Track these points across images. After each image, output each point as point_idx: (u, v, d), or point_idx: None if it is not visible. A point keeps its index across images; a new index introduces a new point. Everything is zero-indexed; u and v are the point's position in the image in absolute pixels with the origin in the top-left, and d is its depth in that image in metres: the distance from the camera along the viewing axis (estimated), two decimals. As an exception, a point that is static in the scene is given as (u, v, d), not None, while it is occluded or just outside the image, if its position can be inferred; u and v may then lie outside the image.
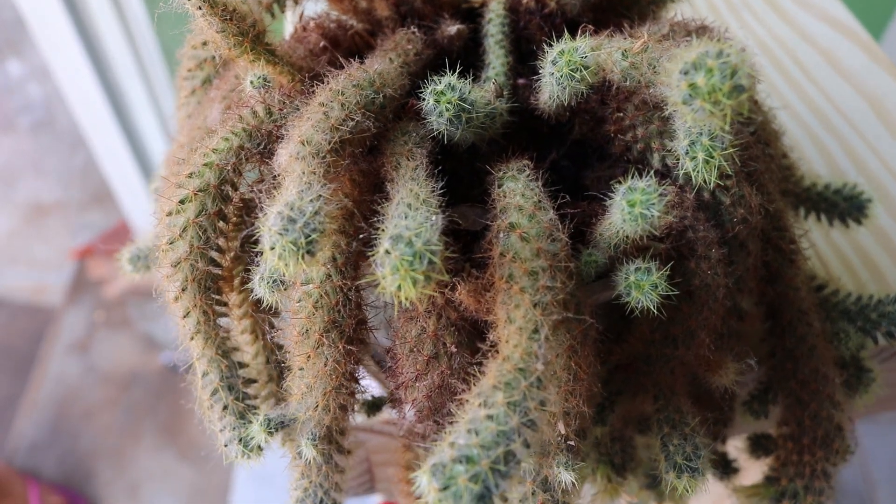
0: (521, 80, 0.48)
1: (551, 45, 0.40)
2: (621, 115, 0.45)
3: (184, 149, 0.51)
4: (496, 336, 0.35)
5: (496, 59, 0.48)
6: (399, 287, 0.32)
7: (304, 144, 0.37)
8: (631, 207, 0.35)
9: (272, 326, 0.47)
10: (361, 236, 0.39)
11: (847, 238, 0.68)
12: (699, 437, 0.44)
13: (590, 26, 0.47)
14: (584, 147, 0.49)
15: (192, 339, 0.44)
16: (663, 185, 0.36)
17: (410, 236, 0.32)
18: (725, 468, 0.59)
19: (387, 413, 0.54)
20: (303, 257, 0.34)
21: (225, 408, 0.45)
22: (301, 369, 0.41)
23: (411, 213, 0.34)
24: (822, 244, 0.68)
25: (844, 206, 0.58)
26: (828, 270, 0.66)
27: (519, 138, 0.47)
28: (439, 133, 0.40)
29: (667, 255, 0.40)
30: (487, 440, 0.31)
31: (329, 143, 0.37)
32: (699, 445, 0.44)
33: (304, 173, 0.36)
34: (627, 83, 0.43)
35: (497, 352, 0.35)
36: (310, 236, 0.33)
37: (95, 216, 2.01)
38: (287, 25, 0.54)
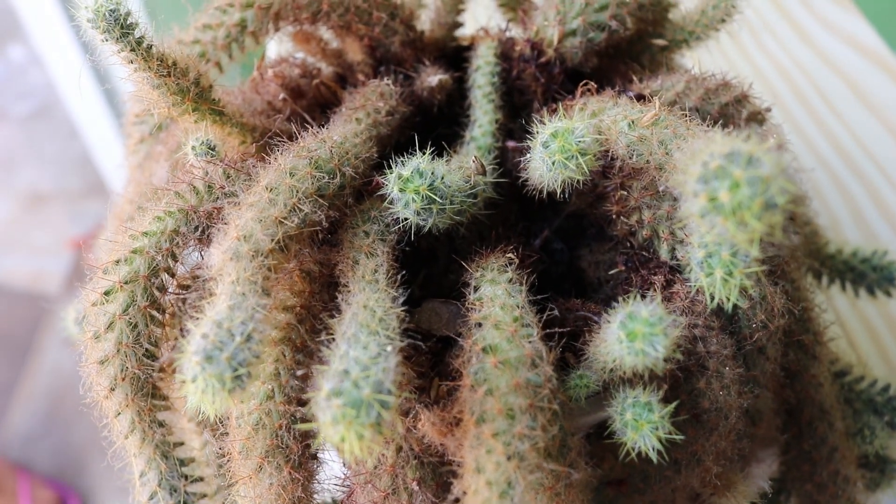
0: (510, 143, 0.42)
1: (542, 122, 0.33)
2: (625, 192, 0.38)
3: (131, 205, 0.45)
4: (462, 485, 0.30)
5: (483, 115, 0.42)
6: (342, 439, 0.27)
7: (241, 241, 0.31)
8: (631, 341, 0.29)
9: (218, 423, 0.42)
10: (313, 344, 0.33)
11: (875, 305, 0.61)
12: (701, 569, 0.38)
13: (592, 84, 0.40)
14: (580, 220, 0.43)
15: (126, 437, 0.39)
16: (672, 306, 0.30)
17: (357, 378, 0.27)
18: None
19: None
20: (229, 393, 0.28)
21: (164, 514, 0.40)
22: (243, 484, 0.36)
23: (364, 339, 0.28)
24: (845, 311, 0.61)
25: (874, 277, 0.52)
26: (851, 340, 0.59)
27: (507, 209, 0.41)
28: (406, 222, 0.34)
29: (672, 372, 0.34)
30: None
31: (272, 241, 0.31)
32: (701, 578, 0.38)
33: (238, 280, 0.30)
34: (633, 159, 0.37)
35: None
36: (237, 370, 0.28)
37: (95, 205, 1.96)
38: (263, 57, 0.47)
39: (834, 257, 0.52)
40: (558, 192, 0.34)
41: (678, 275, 0.37)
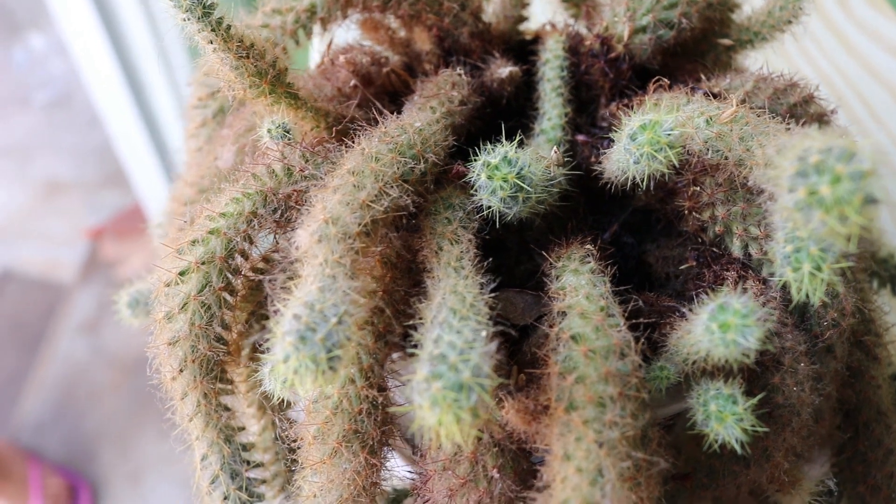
0: (580, 137, 0.42)
1: (628, 114, 0.33)
2: (698, 188, 0.38)
3: (191, 188, 0.45)
4: (550, 472, 0.29)
5: (552, 108, 0.42)
6: (439, 422, 0.27)
7: (329, 224, 0.31)
8: (723, 332, 0.29)
9: (284, 402, 0.42)
10: (391, 334, 0.33)
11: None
12: (765, 566, 0.38)
13: (664, 80, 0.40)
14: (646, 216, 0.43)
15: (190, 420, 0.39)
16: (761, 299, 0.30)
17: (455, 361, 0.27)
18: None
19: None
20: (322, 374, 0.28)
21: (225, 498, 0.40)
22: (314, 471, 0.36)
23: (456, 324, 0.28)
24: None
25: (929, 282, 0.52)
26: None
27: (576, 203, 0.41)
28: (489, 210, 0.34)
29: (748, 367, 0.34)
30: None
31: (359, 225, 0.31)
32: (764, 575, 0.38)
33: (327, 262, 0.30)
34: (710, 155, 0.37)
35: (548, 490, 0.30)
36: (332, 351, 0.28)
37: (111, 195, 1.96)
38: (313, 54, 0.48)
39: (886, 261, 0.52)
40: (643, 183, 0.34)
41: (750, 271, 0.37)
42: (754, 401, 0.31)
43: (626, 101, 0.42)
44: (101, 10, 1.44)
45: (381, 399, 0.33)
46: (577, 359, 0.30)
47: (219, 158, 0.43)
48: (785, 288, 0.37)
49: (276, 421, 0.42)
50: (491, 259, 0.37)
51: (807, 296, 0.31)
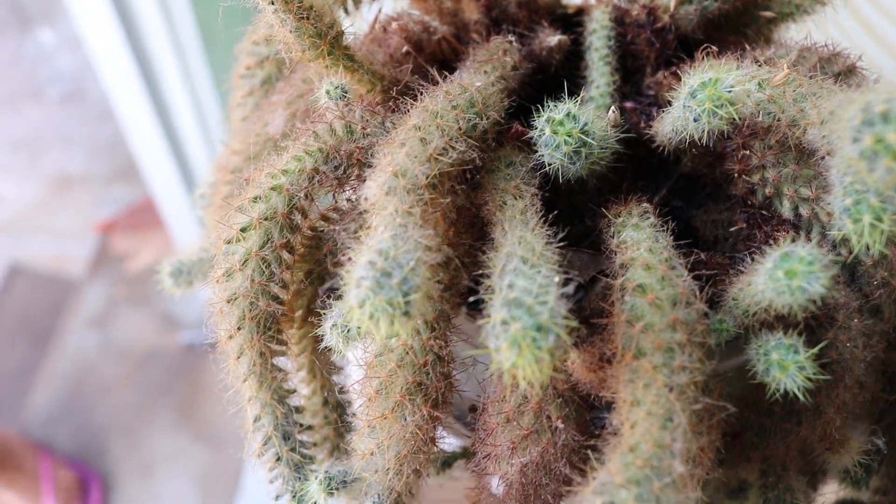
0: (628, 104, 0.42)
1: (687, 73, 0.34)
2: (748, 152, 0.39)
3: (238, 156, 0.46)
4: (618, 418, 0.30)
5: (600, 76, 0.42)
6: (516, 365, 0.27)
7: (397, 177, 0.32)
8: (789, 279, 0.29)
9: (334, 369, 0.42)
10: (456, 287, 0.34)
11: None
12: (814, 524, 0.38)
13: (713, 48, 0.41)
14: (693, 181, 0.43)
15: (244, 380, 0.39)
16: (823, 250, 0.30)
17: (532, 304, 0.27)
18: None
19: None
20: (398, 319, 0.28)
21: (278, 459, 0.40)
22: (373, 427, 0.36)
23: (528, 271, 0.29)
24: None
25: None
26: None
27: (623, 169, 0.42)
28: (551, 167, 0.35)
29: (806, 328, 0.35)
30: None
31: (427, 177, 0.32)
32: (814, 533, 0.38)
33: (397, 212, 0.31)
34: (761, 118, 0.37)
35: (617, 437, 0.30)
36: (408, 294, 0.28)
37: (121, 190, 1.96)
38: (360, 24, 0.48)
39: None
40: (701, 140, 0.34)
41: (801, 232, 0.38)
42: (816, 349, 0.31)
43: (672, 69, 0.43)
44: (116, 1, 1.44)
45: (445, 352, 0.33)
46: (643, 308, 0.30)
47: (268, 125, 0.43)
48: (835, 247, 0.38)
49: (327, 384, 0.43)
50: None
51: (866, 248, 0.32)
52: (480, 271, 0.31)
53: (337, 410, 0.44)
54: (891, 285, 0.37)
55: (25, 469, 1.70)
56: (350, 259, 0.30)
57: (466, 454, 0.43)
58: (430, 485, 0.53)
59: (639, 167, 0.43)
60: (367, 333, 0.33)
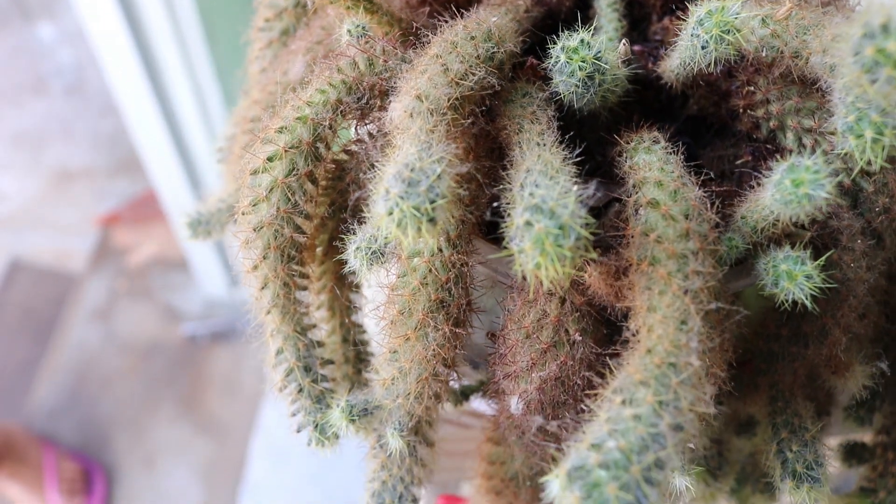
0: (636, 47, 0.44)
1: (695, 4, 0.36)
2: (752, 88, 0.41)
3: (257, 105, 0.47)
4: (635, 325, 0.31)
5: (608, 22, 0.44)
6: (539, 265, 0.28)
7: (420, 100, 0.33)
8: (796, 187, 0.31)
9: (353, 307, 0.44)
10: (477, 208, 0.35)
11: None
12: (821, 445, 0.40)
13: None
14: (699, 123, 0.45)
15: (268, 312, 0.41)
16: (829, 163, 0.32)
17: (554, 206, 0.28)
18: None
19: (469, 405, 0.51)
20: (425, 225, 0.30)
21: (300, 390, 0.41)
22: (395, 352, 0.37)
23: (548, 182, 0.30)
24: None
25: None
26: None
27: (631, 110, 0.43)
28: (564, 97, 0.36)
29: (812, 246, 0.36)
30: (635, 444, 0.27)
31: (448, 100, 0.33)
32: (820, 454, 0.40)
33: (421, 131, 0.32)
34: (764, 54, 0.39)
35: (634, 344, 0.31)
36: (435, 201, 0.29)
37: (122, 183, 1.97)
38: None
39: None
40: (710, 67, 0.36)
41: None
42: (822, 259, 0.33)
43: (677, 15, 0.44)
44: (119, -6, 1.45)
45: (466, 269, 0.35)
46: (656, 219, 0.32)
47: (288, 72, 0.45)
48: (837, 174, 0.39)
49: (347, 322, 0.44)
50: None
51: (868, 163, 0.33)
52: (501, 186, 0.32)
53: (356, 348, 0.45)
54: (892, 211, 0.39)
55: (29, 461, 1.70)
56: (376, 177, 0.31)
57: (483, 387, 0.45)
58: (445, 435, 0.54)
59: (647, 110, 0.44)
60: (394, 243, 0.34)
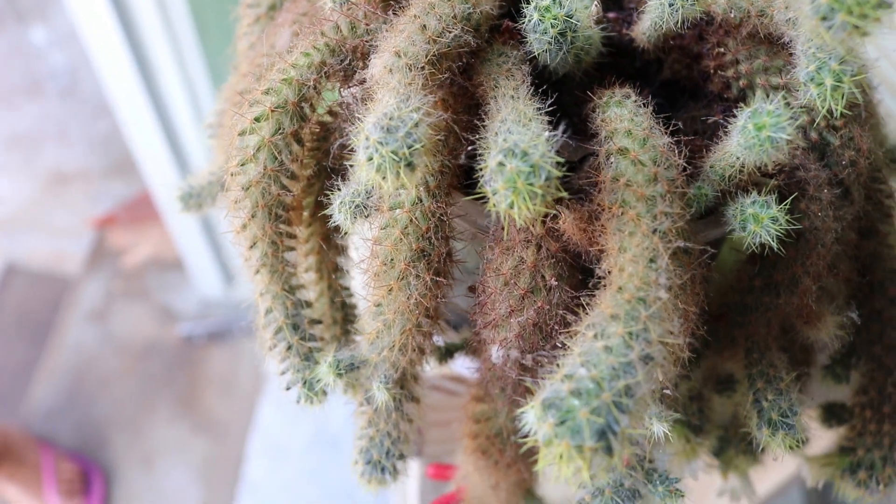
0: (611, 14, 0.45)
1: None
2: (722, 50, 0.42)
3: (246, 78, 0.49)
4: (607, 266, 0.33)
5: (584, -10, 0.45)
6: (512, 204, 0.30)
7: (399, 56, 0.34)
8: (758, 131, 0.32)
9: (340, 269, 0.45)
10: (454, 159, 0.37)
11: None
12: (795, 394, 0.41)
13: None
14: (673, 88, 0.46)
15: (257, 272, 0.42)
16: (791, 108, 0.33)
17: (526, 148, 0.30)
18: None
19: (450, 368, 0.52)
20: (403, 170, 0.31)
21: (289, 348, 0.42)
22: (379, 305, 0.39)
23: (520, 129, 0.31)
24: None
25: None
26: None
27: (607, 75, 0.44)
28: (538, 55, 0.38)
29: (779, 194, 0.37)
30: (606, 373, 0.28)
31: (426, 55, 0.34)
32: (795, 402, 0.41)
33: (400, 84, 0.34)
34: (733, 14, 0.40)
35: (603, 284, 0.33)
36: (412, 146, 0.31)
37: (117, 185, 1.98)
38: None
39: (892, 151, 0.55)
40: (675, 27, 0.37)
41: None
42: (788, 201, 0.34)
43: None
44: (112, -5, 1.47)
45: (446, 217, 0.36)
46: (626, 165, 0.33)
47: (275, 45, 0.46)
48: (805, 132, 0.41)
49: (334, 284, 0.45)
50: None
51: (830, 113, 0.35)
52: (478, 137, 0.33)
53: (344, 310, 0.46)
54: (858, 165, 0.40)
55: (27, 462, 1.70)
56: (358, 129, 0.32)
57: (466, 345, 0.46)
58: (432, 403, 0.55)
59: (624, 76, 0.46)
60: (376, 197, 0.35)
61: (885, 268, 0.48)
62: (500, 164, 0.30)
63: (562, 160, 0.30)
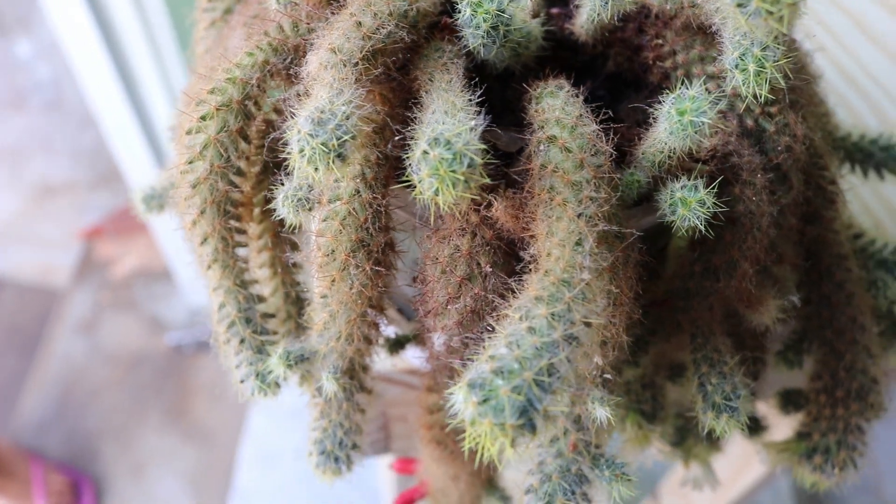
0: (554, 9, 0.46)
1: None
2: (660, 41, 0.43)
3: (204, 80, 0.49)
4: (535, 250, 0.33)
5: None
6: (437, 191, 0.31)
7: (334, 52, 0.35)
8: (680, 116, 0.33)
9: (293, 265, 0.46)
10: (392, 151, 0.37)
11: (876, 195, 0.66)
12: (739, 377, 0.42)
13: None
14: (618, 81, 0.47)
15: (209, 268, 0.43)
16: (714, 93, 0.34)
17: (450, 137, 0.31)
18: (754, 425, 0.57)
19: (407, 361, 0.53)
20: (334, 161, 0.32)
21: (242, 341, 0.43)
22: (324, 296, 0.39)
23: (449, 119, 0.32)
24: (850, 200, 0.66)
25: (881, 157, 0.56)
26: (859, 225, 0.64)
27: (550, 62, 0.45)
28: (474, 50, 0.39)
29: (711, 179, 0.38)
30: (529, 353, 0.29)
31: (361, 51, 0.35)
32: (738, 385, 0.42)
33: (334, 80, 0.34)
34: (668, 6, 0.41)
35: (535, 268, 0.34)
36: (342, 138, 0.32)
37: (103, 196, 1.99)
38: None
39: (844, 139, 0.56)
40: (607, 20, 0.38)
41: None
42: (716, 183, 0.35)
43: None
44: (93, 6, 1.48)
45: (383, 208, 0.37)
46: (554, 152, 0.34)
47: (228, 48, 0.47)
48: (741, 119, 0.42)
49: (288, 279, 0.46)
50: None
51: (754, 97, 0.35)
52: (411, 128, 0.34)
53: (298, 305, 0.47)
54: (794, 150, 0.41)
55: (17, 475, 1.70)
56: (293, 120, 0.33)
57: (417, 337, 0.46)
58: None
59: (568, 71, 0.47)
60: (318, 191, 0.36)
61: (832, 253, 0.49)
62: (425, 152, 0.30)
63: (484, 146, 0.30)
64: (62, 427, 1.83)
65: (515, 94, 0.44)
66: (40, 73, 1.84)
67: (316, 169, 0.32)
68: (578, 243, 0.32)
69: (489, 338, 0.31)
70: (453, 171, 0.30)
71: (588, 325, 0.31)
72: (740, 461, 0.99)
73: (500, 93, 0.44)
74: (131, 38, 1.57)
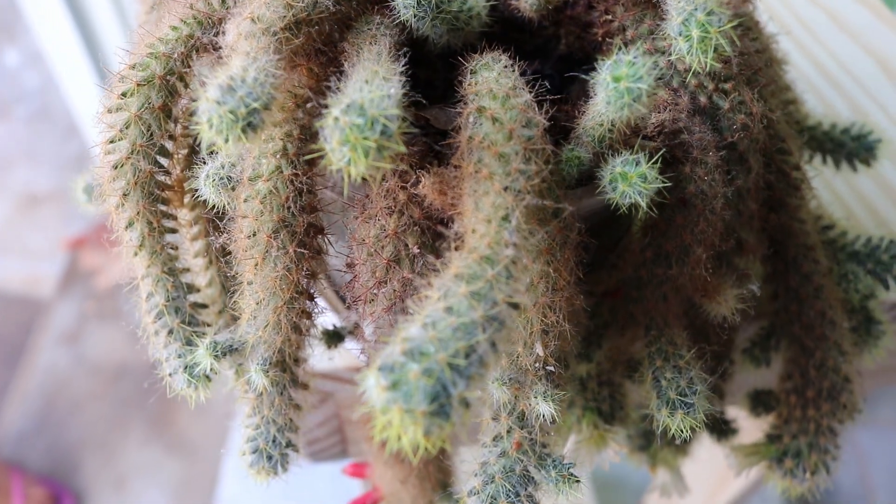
0: (502, -12, 0.44)
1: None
2: (610, 17, 0.41)
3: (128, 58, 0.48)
4: (461, 228, 0.31)
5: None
6: (349, 161, 0.28)
7: (254, 21, 0.33)
8: (616, 83, 0.31)
9: (228, 253, 0.43)
10: (317, 127, 0.35)
11: (849, 186, 0.64)
12: (695, 371, 0.39)
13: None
14: (570, 63, 0.45)
15: (135, 254, 0.40)
16: (654, 58, 0.32)
17: (363, 102, 0.29)
18: (723, 428, 0.55)
19: (353, 358, 0.50)
20: (243, 130, 0.30)
21: (170, 332, 0.41)
22: (250, 283, 0.37)
23: (364, 86, 0.30)
24: (822, 191, 0.64)
25: (852, 147, 0.54)
26: (830, 216, 0.62)
27: (499, 50, 0.43)
28: (406, 22, 0.37)
29: (661, 160, 0.36)
30: (445, 333, 0.27)
31: (282, 21, 0.33)
32: (695, 380, 0.39)
33: (252, 49, 0.32)
34: (616, -21, 0.39)
35: (460, 247, 0.31)
36: (251, 105, 0.30)
37: (89, 207, 1.98)
38: None
39: (814, 129, 0.54)
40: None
41: (660, 81, 0.39)
42: (658, 156, 0.33)
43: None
44: (76, 16, 1.47)
45: (306, 186, 0.34)
46: (484, 124, 0.32)
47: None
48: (695, 97, 0.40)
49: (224, 270, 0.44)
50: (417, 93, 0.40)
51: (700, 66, 0.33)
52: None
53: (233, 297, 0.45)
54: (751, 130, 0.39)
55: (-4, 488, 1.67)
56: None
57: (356, 330, 0.44)
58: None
59: (520, 52, 0.45)
60: (240, 169, 0.34)
61: (798, 243, 0.46)
62: (336, 119, 0.28)
63: (400, 113, 0.28)
64: (44, 439, 1.80)
65: (460, 75, 0.42)
66: (25, 83, 1.84)
67: (226, 140, 0.30)
68: (505, 218, 0.30)
69: (406, 320, 0.29)
70: (365, 139, 0.28)
71: (514, 306, 0.28)
72: (727, 467, 0.96)
73: (445, 73, 0.42)
74: (114, 47, 1.56)
